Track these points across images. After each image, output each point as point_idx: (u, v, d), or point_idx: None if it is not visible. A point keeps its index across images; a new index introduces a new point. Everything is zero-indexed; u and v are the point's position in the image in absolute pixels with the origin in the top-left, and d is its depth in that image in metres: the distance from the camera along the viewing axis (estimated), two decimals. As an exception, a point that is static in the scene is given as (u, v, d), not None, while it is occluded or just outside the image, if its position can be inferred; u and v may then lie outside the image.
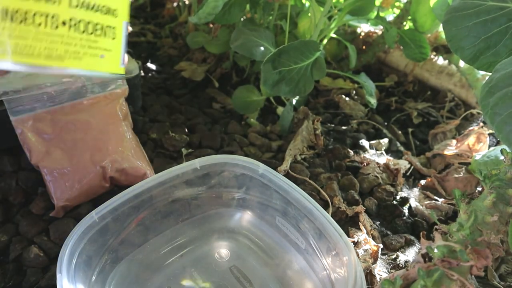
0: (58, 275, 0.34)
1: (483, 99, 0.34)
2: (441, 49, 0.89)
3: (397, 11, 0.89)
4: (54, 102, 0.50)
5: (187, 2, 1.14)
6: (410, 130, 0.77)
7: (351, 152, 0.66)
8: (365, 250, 0.47)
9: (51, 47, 0.25)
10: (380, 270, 0.47)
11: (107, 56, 0.29)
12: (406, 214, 0.56)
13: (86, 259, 0.39)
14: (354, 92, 0.87)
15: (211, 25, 0.89)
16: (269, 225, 0.48)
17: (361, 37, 0.95)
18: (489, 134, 0.65)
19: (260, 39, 0.65)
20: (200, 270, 0.44)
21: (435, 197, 0.58)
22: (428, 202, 0.57)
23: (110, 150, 0.52)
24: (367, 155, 0.67)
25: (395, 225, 0.54)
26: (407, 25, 0.87)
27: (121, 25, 0.30)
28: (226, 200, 0.50)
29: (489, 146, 0.65)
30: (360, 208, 0.53)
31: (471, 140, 0.65)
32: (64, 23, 0.25)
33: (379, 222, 0.55)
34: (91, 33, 0.27)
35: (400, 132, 0.76)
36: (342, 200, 0.55)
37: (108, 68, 0.29)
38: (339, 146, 0.67)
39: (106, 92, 0.54)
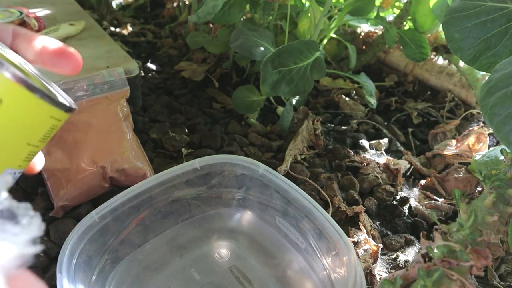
0: (58, 275, 0.34)
1: (482, 99, 0.34)
2: (441, 49, 0.89)
3: (397, 11, 0.89)
4: (54, 102, 0.50)
5: (187, 2, 1.14)
6: (410, 130, 0.77)
7: (351, 152, 0.66)
8: (365, 250, 0.47)
9: None
10: (380, 270, 0.47)
11: None
12: (406, 214, 0.56)
13: (86, 259, 0.39)
14: (354, 92, 0.87)
15: (211, 25, 0.89)
16: (269, 225, 0.49)
17: (361, 37, 0.95)
18: (489, 134, 0.65)
19: (260, 39, 0.65)
20: (200, 270, 0.44)
21: (435, 197, 0.58)
22: (428, 202, 0.57)
23: (110, 150, 0.52)
24: (367, 155, 0.67)
25: (395, 225, 0.54)
26: (407, 25, 0.87)
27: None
28: (226, 200, 0.50)
29: (489, 146, 0.64)
30: (360, 208, 0.53)
31: (471, 140, 0.64)
32: None
33: (379, 222, 0.55)
34: None
35: (400, 132, 0.76)
36: (342, 200, 0.55)
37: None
38: (339, 146, 0.67)
39: (107, 93, 0.54)
